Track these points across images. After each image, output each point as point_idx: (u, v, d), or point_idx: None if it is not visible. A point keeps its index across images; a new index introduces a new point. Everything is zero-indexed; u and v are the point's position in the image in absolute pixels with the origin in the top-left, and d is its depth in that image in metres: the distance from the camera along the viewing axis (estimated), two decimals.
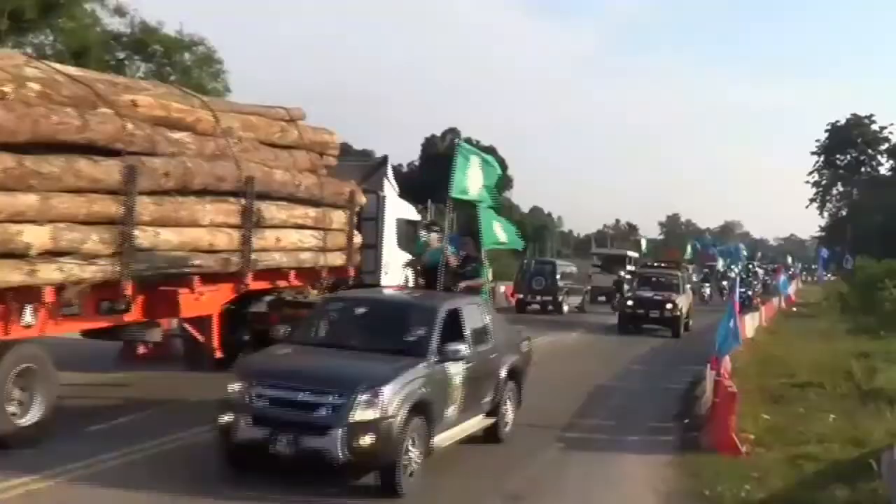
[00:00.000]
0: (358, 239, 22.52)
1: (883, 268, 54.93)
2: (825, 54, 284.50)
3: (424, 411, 12.66)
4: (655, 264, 49.73)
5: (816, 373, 24.42)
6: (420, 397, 12.56)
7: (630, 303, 40.26)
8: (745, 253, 76.38)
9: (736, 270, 62.92)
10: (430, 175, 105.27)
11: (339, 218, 21.59)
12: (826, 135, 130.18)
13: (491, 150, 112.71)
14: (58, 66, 15.81)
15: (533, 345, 18.16)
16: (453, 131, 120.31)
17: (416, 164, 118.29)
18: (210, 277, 17.39)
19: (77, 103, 14.29)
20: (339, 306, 15.97)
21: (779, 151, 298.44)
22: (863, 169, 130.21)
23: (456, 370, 13.70)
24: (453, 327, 14.22)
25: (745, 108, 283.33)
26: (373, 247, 23.81)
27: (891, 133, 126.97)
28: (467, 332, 14.54)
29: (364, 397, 11.83)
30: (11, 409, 13.37)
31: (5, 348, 13.25)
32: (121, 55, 44.55)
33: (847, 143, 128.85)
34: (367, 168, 25.81)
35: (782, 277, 63.00)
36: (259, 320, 20.17)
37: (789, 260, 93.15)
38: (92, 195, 14.18)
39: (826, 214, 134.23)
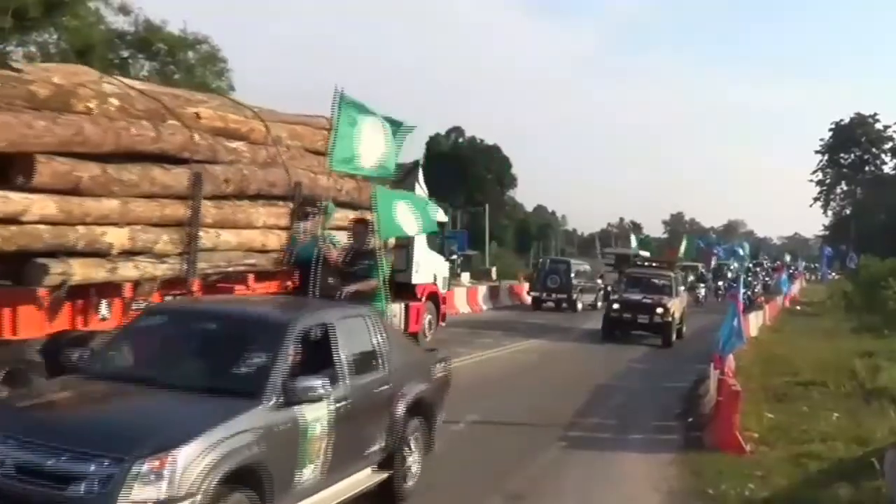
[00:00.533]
0: (392, 239, 22.97)
1: (887, 266, 54.82)
2: (828, 53, 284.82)
3: (253, 482, 8.74)
4: (647, 263, 44.16)
5: (820, 371, 24.41)
6: (245, 461, 8.59)
7: (616, 306, 35.33)
8: (747, 252, 76.19)
9: (734, 267, 63.17)
10: (433, 173, 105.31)
11: (374, 220, 20.27)
12: (830, 134, 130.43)
13: (494, 149, 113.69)
14: (127, 80, 17.28)
15: (452, 366, 14.04)
16: (457, 130, 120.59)
17: (421, 162, 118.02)
18: (262, 275, 18.82)
19: (150, 116, 15.76)
20: (158, 322, 11.81)
21: (782, 150, 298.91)
22: (867, 168, 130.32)
23: (315, 415, 9.72)
24: (317, 352, 10.53)
25: (748, 108, 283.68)
26: (404, 247, 25.54)
27: (895, 132, 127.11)
28: (340, 357, 10.62)
29: (144, 466, 7.82)
30: None
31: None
32: (125, 53, 44.54)
33: (851, 141, 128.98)
34: (400, 171, 24.74)
35: (783, 276, 62.94)
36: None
37: (787, 258, 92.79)
38: (163, 200, 15.66)
39: (830, 213, 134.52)
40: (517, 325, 37.80)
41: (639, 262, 47.44)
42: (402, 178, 25.58)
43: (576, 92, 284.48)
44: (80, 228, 14.10)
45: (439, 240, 28.87)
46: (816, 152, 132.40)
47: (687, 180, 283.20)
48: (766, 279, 68.51)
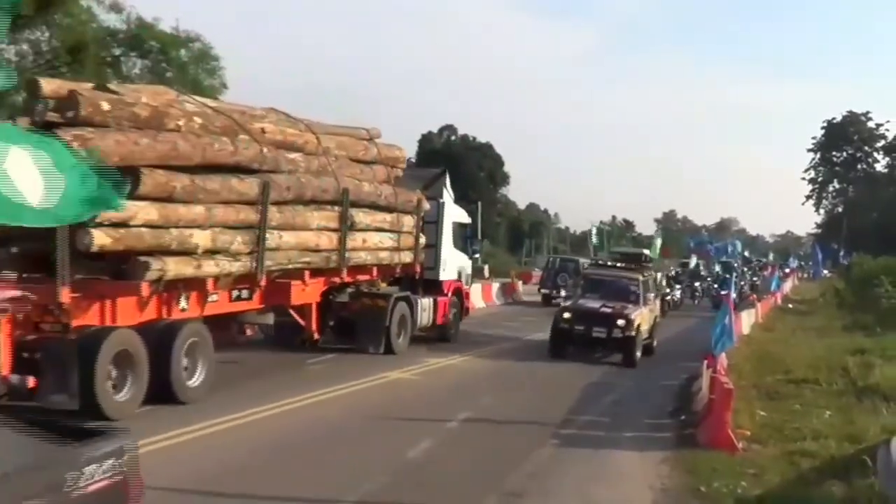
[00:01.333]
0: (423, 240, 27.56)
1: (879, 264, 55.00)
2: (822, 53, 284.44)
3: None
4: (610, 263, 34.22)
5: (812, 369, 24.48)
6: None
7: (566, 315, 27.55)
8: (739, 250, 76.40)
9: (718, 267, 63.63)
10: None
11: (408, 222, 26.66)
12: (822, 132, 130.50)
13: (487, 147, 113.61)
14: (201, 99, 20.60)
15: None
16: (450, 128, 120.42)
17: (413, 160, 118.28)
18: (314, 272, 22.46)
19: (225, 132, 18.89)
20: None
21: (775, 149, 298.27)
22: (859, 166, 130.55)
23: None
24: None
25: (741, 106, 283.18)
26: (433, 246, 28.54)
27: (887, 130, 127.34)
28: None
29: None
30: (184, 374, 17.42)
31: (178, 327, 17.56)
32: (117, 51, 44.41)
33: (843, 140, 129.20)
34: (428, 177, 30.11)
35: (775, 275, 63.06)
36: (342, 308, 25.16)
37: (770, 257, 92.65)
38: (238, 206, 18.75)
39: (822, 211, 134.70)
40: (529, 318, 39.35)
41: (600, 262, 40.40)
42: (429, 184, 29.26)
43: (569, 91, 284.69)
44: (174, 231, 17.02)
45: (462, 239, 30.99)
46: (809, 150, 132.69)
47: (679, 178, 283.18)
48: (754, 278, 68.70)
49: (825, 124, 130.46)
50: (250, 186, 19.03)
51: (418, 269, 27.82)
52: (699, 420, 17.45)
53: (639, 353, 27.36)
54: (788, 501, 12.75)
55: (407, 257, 26.86)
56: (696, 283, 57.98)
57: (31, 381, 14.69)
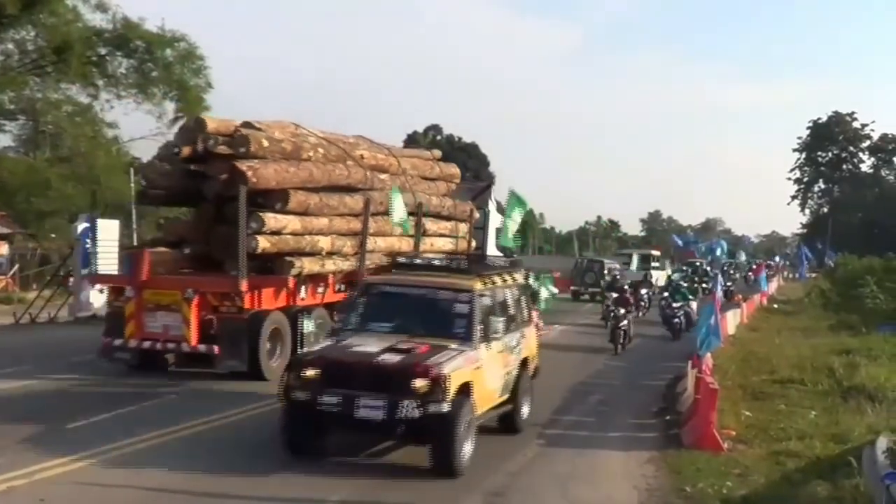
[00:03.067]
0: (473, 243, 32.56)
1: (864, 265, 55.20)
2: (808, 52, 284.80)
3: None
4: (421, 261, 23.59)
5: (797, 369, 24.52)
6: None
7: (308, 373, 13.63)
8: (725, 250, 76.39)
9: (703, 264, 64.00)
10: None
11: (462, 228, 31.73)
12: (808, 132, 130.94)
13: (472, 147, 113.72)
14: (314, 129, 25.65)
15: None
16: (435, 128, 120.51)
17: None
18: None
19: (340, 159, 25.09)
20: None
21: (761, 148, 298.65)
22: (844, 166, 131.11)
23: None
24: None
25: (725, 106, 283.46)
26: (480, 248, 33.73)
27: (872, 130, 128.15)
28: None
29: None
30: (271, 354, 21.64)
31: (309, 311, 22.97)
32: (102, 51, 44.28)
33: (829, 140, 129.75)
34: (476, 189, 37.12)
35: (763, 273, 63.06)
36: None
37: (743, 257, 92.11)
38: (348, 217, 24.78)
39: (807, 211, 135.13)
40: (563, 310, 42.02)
41: (409, 260, 39.85)
42: (477, 195, 36.23)
43: (553, 91, 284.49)
44: (308, 237, 23.07)
45: (499, 241, 35.40)
46: (794, 150, 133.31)
47: (665, 179, 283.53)
48: (729, 283, 68.80)
49: (811, 124, 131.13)
50: (356, 202, 24.92)
51: None
52: (684, 420, 17.44)
53: (466, 448, 13.60)
54: (774, 501, 12.75)
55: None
56: (644, 292, 44.52)
57: (216, 349, 20.60)
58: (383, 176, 26.98)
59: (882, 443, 12.63)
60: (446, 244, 30.17)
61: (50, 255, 50.71)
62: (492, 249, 34.79)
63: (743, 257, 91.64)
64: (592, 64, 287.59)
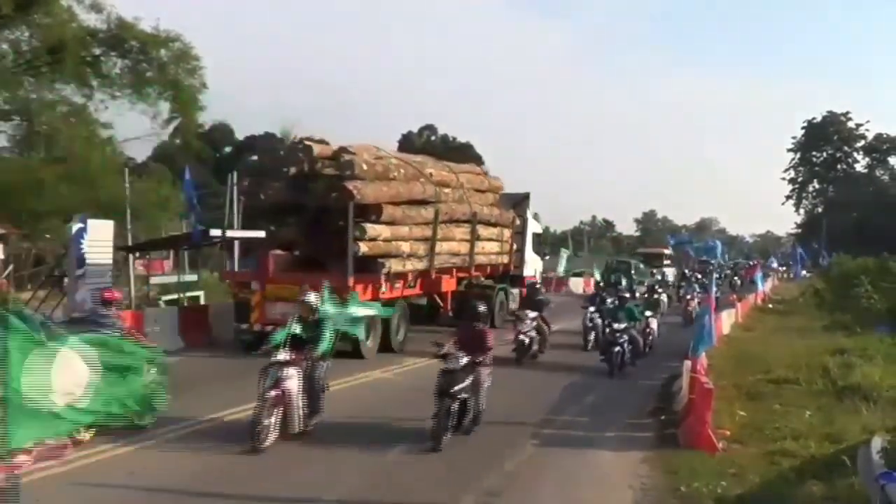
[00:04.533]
0: (514, 247, 39.12)
1: (859, 264, 55.16)
2: (803, 53, 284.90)
3: None
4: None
5: (792, 369, 24.50)
6: None
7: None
8: (719, 250, 76.48)
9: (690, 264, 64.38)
10: None
11: (506, 234, 37.85)
12: (802, 132, 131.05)
13: (467, 147, 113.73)
14: (391, 151, 32.22)
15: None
16: (430, 128, 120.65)
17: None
18: (456, 270, 33.51)
19: (415, 177, 30.20)
20: None
21: (756, 148, 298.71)
22: (839, 166, 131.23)
23: None
24: None
25: (720, 106, 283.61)
26: (520, 251, 40.23)
27: (867, 130, 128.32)
28: None
29: None
30: (399, 332, 28.81)
31: (395, 302, 28.20)
32: (97, 51, 44.15)
33: (823, 140, 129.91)
34: (517, 199, 40.32)
35: (758, 273, 63.14)
36: (462, 295, 33.35)
37: (718, 252, 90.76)
38: (423, 226, 30.09)
39: (802, 211, 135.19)
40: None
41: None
42: (517, 204, 39.91)
43: (549, 91, 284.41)
44: (394, 243, 28.36)
45: (537, 245, 43.54)
46: (789, 150, 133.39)
47: (660, 178, 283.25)
48: (735, 278, 68.77)
49: (805, 124, 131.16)
50: (429, 213, 30.30)
51: (511, 268, 38.95)
52: (679, 420, 17.45)
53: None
54: (769, 501, 12.77)
55: (505, 259, 38.08)
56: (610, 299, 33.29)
57: None
58: (447, 190, 32.25)
59: (877, 442, 12.62)
60: (494, 248, 36.60)
61: (44, 256, 50.71)
62: (529, 252, 41.44)
63: (719, 252, 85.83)
64: (587, 63, 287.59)
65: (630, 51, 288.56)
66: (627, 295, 29.94)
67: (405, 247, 28.90)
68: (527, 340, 27.10)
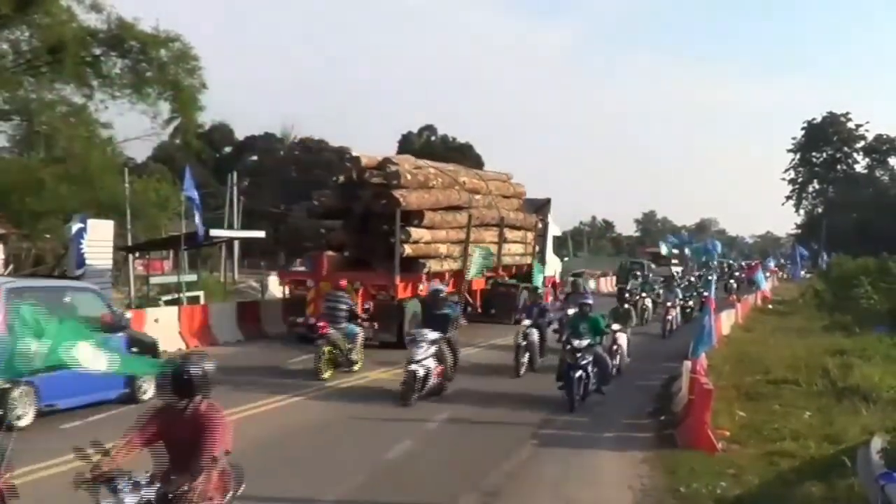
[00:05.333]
0: (537, 249, 41.82)
1: (858, 265, 55.17)
2: (803, 53, 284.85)
3: None
4: None
5: (792, 370, 24.51)
6: None
7: None
8: (719, 251, 76.32)
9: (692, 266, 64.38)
10: None
11: (530, 237, 41.19)
12: (802, 132, 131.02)
13: (467, 147, 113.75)
14: (427, 161, 35.18)
15: None
16: (429, 128, 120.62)
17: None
18: (484, 270, 34.97)
19: (450, 185, 33.70)
20: None
21: (755, 149, 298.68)
22: (838, 166, 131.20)
23: None
24: None
25: (721, 106, 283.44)
26: (542, 253, 42.54)
27: (867, 131, 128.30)
28: None
29: None
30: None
31: (406, 302, 29.64)
32: (97, 51, 44.11)
33: (823, 140, 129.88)
34: (538, 204, 43.52)
35: (759, 273, 63.04)
36: (489, 293, 37.61)
37: (717, 253, 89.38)
38: (457, 230, 33.08)
39: (802, 212, 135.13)
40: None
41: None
42: (539, 209, 43.04)
43: (547, 91, 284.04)
44: (433, 245, 31.58)
45: (557, 247, 47.20)
46: (789, 151, 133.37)
47: (659, 179, 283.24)
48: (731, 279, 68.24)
49: (805, 125, 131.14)
50: (463, 218, 33.40)
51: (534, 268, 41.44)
52: (679, 420, 17.46)
53: None
54: (768, 502, 12.78)
55: (528, 260, 40.84)
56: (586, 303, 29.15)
57: (376, 325, 26.52)
58: (478, 196, 35.96)
59: (876, 443, 12.64)
60: (519, 249, 39.89)
61: (44, 256, 50.69)
62: (550, 254, 44.17)
63: (718, 252, 79.81)
64: (587, 64, 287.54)
65: (630, 51, 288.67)
66: (590, 301, 22.47)
67: (443, 248, 32.42)
68: (420, 372, 19.84)
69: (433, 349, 20.65)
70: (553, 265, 45.23)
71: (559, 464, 14.84)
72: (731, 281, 65.90)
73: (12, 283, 16.80)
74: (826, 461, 14.27)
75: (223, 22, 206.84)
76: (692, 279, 52.28)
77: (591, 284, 58.94)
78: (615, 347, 24.77)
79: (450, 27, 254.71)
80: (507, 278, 39.05)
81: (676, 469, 14.40)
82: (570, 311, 24.57)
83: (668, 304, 39.49)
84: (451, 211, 33.06)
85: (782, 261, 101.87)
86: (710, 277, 38.16)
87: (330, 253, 31.11)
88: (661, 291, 45.36)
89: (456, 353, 22.27)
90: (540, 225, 42.10)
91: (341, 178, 31.87)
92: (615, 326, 25.21)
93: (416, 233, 30.31)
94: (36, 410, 15.84)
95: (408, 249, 29.89)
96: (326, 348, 22.90)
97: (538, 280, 39.86)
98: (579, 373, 19.93)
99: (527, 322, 25.98)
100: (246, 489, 12.33)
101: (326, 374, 22.46)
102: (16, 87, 42.18)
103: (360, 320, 24.65)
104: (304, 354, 24.29)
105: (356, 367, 23.69)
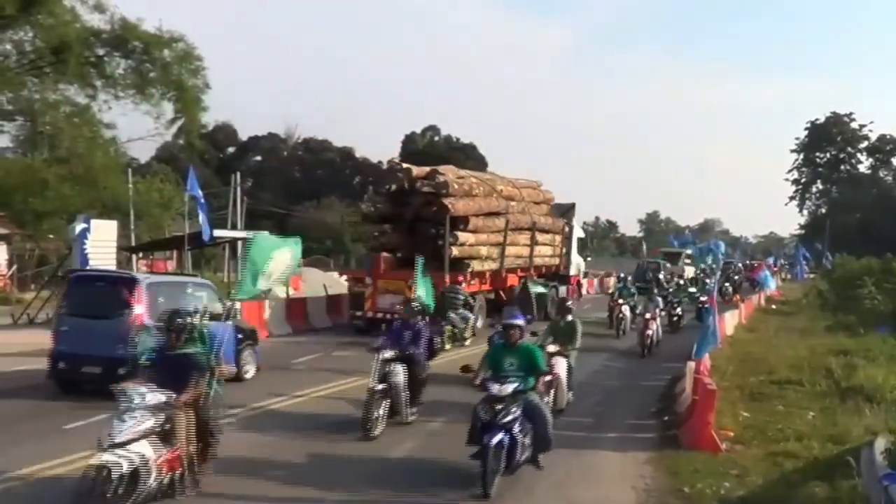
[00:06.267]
0: (563, 250, 45.24)
1: (862, 265, 55.13)
2: (806, 52, 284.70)
3: None
4: None
5: (796, 370, 24.51)
6: None
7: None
8: (722, 251, 76.26)
9: (701, 266, 64.21)
10: None
11: (557, 239, 44.62)
12: (806, 133, 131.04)
13: (470, 147, 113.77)
14: (469, 171, 39.64)
15: None
16: (433, 129, 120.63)
17: (396, 160, 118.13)
18: (519, 270, 39.67)
19: (490, 193, 37.30)
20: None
21: (759, 149, 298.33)
22: (842, 167, 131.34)
23: None
24: None
25: (724, 106, 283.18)
26: (568, 254, 46.11)
27: (870, 131, 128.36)
28: None
29: None
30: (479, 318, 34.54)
31: (476, 295, 34.24)
32: (100, 51, 44.13)
33: (827, 141, 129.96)
34: (563, 208, 46.41)
35: (764, 272, 62.99)
36: (520, 291, 38.44)
37: (719, 254, 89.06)
38: (496, 233, 36.75)
39: (806, 212, 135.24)
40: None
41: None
42: (565, 213, 46.10)
43: (551, 91, 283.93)
44: (476, 247, 35.20)
45: (581, 248, 50.38)
46: (792, 151, 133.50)
47: (663, 179, 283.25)
48: (735, 277, 67.94)
49: (808, 125, 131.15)
50: (500, 222, 37.23)
51: (561, 268, 45.24)
52: (682, 421, 17.43)
53: None
54: (771, 502, 12.76)
55: (556, 261, 44.58)
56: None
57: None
58: (513, 203, 39.31)
59: (880, 443, 12.64)
60: (548, 251, 43.38)
61: (48, 256, 50.75)
62: (575, 255, 47.65)
63: (721, 252, 78.35)
64: (590, 64, 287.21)
65: (633, 50, 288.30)
66: (518, 322, 14.36)
67: (484, 251, 36.18)
68: (115, 469, 10.60)
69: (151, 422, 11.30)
70: (577, 265, 48.89)
71: (562, 464, 14.78)
72: (727, 284, 59.41)
73: (150, 279, 20.34)
74: (829, 462, 14.25)
75: (224, 22, 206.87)
76: (681, 282, 51.65)
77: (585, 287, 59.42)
78: (551, 379, 17.56)
79: (455, 27, 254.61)
80: (535, 277, 40.89)
81: (680, 469, 14.38)
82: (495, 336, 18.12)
83: (648, 315, 31.58)
84: (490, 216, 36.80)
85: (781, 261, 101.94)
86: (707, 280, 38.06)
87: (385, 254, 34.70)
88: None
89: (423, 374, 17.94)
90: (566, 228, 45.74)
91: (393, 187, 35.42)
92: (551, 348, 18.99)
93: (462, 236, 34.17)
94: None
95: (455, 251, 33.80)
96: (448, 327, 29.57)
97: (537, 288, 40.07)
98: (499, 437, 12.98)
99: (385, 353, 17.13)
100: (247, 487, 12.37)
101: (448, 347, 28.26)
102: (19, 87, 42.24)
103: (469, 308, 32.26)
104: (309, 355, 24.52)
105: (467, 343, 30.48)
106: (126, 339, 17.30)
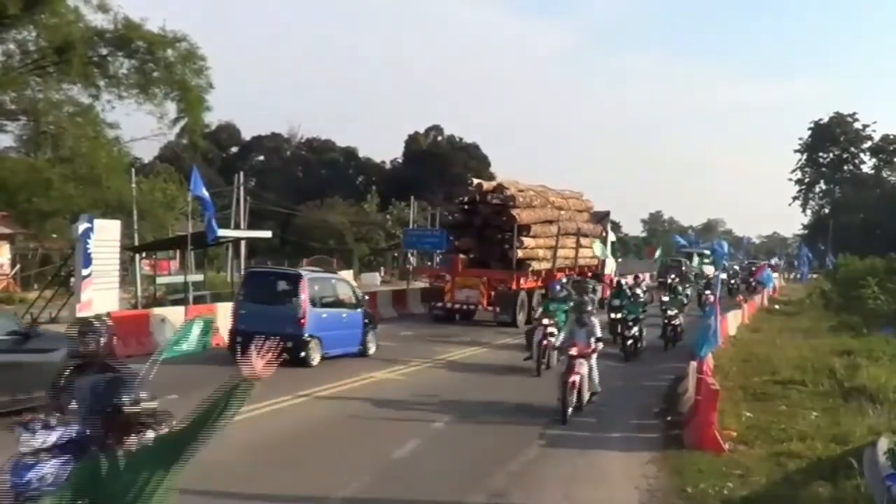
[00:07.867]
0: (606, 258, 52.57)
1: (865, 265, 55.04)
2: (810, 52, 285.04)
3: None
4: None
5: (799, 370, 24.51)
6: None
7: None
8: (726, 251, 76.27)
9: (703, 265, 64.53)
10: (412, 172, 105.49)
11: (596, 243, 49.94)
12: (809, 133, 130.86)
13: (473, 147, 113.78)
14: (527, 183, 45.20)
15: None
16: (436, 128, 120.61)
17: (399, 160, 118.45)
18: (566, 269, 44.50)
19: (545, 204, 44.23)
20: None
21: (762, 149, 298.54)
22: (845, 167, 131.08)
23: None
24: None
25: (728, 106, 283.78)
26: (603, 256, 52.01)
27: (874, 131, 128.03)
28: None
29: None
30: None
31: (532, 292, 40.75)
32: (104, 51, 44.11)
33: (830, 141, 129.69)
34: (600, 215, 53.20)
35: (766, 272, 62.95)
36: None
37: (723, 254, 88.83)
38: (550, 238, 43.28)
39: (809, 212, 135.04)
40: None
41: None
42: (600, 219, 52.91)
43: (554, 91, 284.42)
44: (535, 250, 41.99)
45: (613, 250, 55.75)
46: (796, 151, 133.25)
47: (666, 179, 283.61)
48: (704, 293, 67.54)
49: (812, 125, 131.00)
50: (553, 229, 43.20)
51: (598, 268, 50.65)
52: (685, 421, 17.44)
53: None
54: (775, 502, 12.76)
55: (595, 262, 50.10)
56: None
57: (497, 309, 39.01)
58: (562, 212, 45.61)
59: (883, 444, 12.63)
60: (588, 253, 48.27)
61: (51, 256, 50.74)
62: (609, 253, 52.46)
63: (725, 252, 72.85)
64: (593, 64, 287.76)
65: (637, 50, 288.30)
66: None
67: (541, 253, 42.37)
68: None
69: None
70: (611, 265, 53.88)
71: (566, 464, 14.82)
72: (733, 282, 63.99)
73: (310, 275, 26.03)
74: (833, 462, 14.24)
75: (225, 23, 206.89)
76: (676, 284, 50.48)
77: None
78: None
79: (458, 27, 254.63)
80: (576, 276, 45.38)
81: (683, 469, 14.38)
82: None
83: (573, 350, 19.52)
84: (545, 224, 43.24)
85: (781, 262, 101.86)
86: (710, 281, 37.66)
87: (462, 255, 42.00)
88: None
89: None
90: (603, 233, 51.70)
91: (465, 199, 43.14)
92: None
93: (525, 241, 40.80)
94: (321, 356, 24.45)
95: (520, 254, 40.33)
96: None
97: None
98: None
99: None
100: (254, 487, 12.37)
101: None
102: (23, 87, 42.18)
103: (594, 291, 40.20)
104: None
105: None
106: (293, 319, 23.81)
